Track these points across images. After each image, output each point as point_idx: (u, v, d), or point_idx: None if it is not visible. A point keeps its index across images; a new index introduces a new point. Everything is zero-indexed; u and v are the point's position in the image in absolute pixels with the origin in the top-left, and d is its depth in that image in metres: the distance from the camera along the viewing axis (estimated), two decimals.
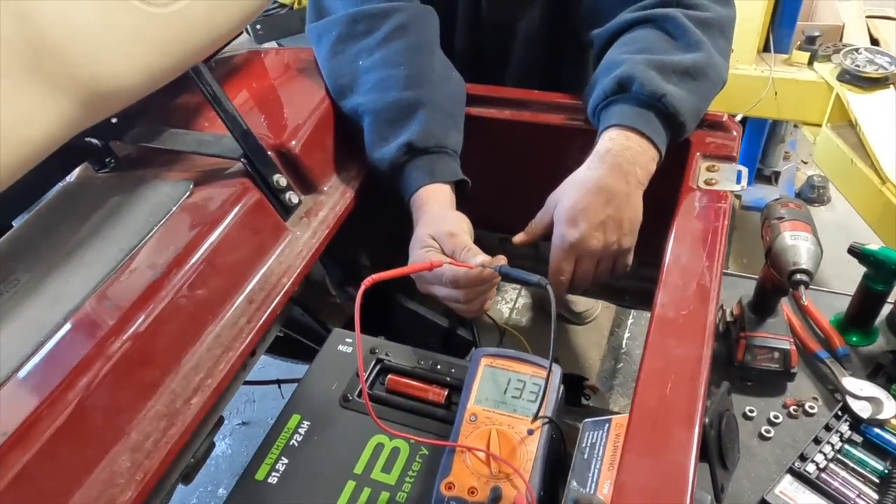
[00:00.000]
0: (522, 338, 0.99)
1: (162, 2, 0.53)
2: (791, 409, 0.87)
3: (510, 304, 1.65)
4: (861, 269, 0.90)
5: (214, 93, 0.73)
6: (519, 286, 1.72)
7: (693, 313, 0.62)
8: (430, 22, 0.91)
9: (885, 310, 0.95)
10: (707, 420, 0.62)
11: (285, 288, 0.74)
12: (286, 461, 0.64)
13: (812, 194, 1.95)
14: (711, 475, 0.64)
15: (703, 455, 0.63)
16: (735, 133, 0.84)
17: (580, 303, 1.59)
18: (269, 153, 0.80)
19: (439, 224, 0.75)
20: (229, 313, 0.70)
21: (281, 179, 0.80)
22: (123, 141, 0.84)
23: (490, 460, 0.57)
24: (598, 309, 1.61)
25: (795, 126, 1.90)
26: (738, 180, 0.78)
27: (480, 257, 0.70)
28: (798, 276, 0.77)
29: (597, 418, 0.60)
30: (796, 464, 0.81)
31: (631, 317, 1.67)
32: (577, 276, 0.76)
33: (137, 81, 0.53)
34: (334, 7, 0.92)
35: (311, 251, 0.78)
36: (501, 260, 0.70)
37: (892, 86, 1.44)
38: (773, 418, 0.86)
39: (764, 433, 0.85)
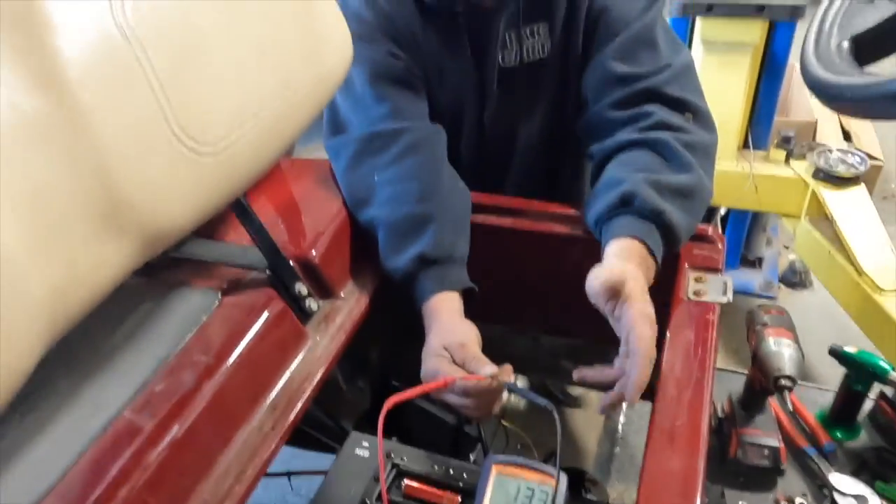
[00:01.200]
0: (523, 433, 1.03)
1: (214, 150, 0.61)
2: None
3: None
4: None
5: (246, 211, 0.80)
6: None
7: (688, 423, 0.68)
8: (438, 140, 1.00)
9: (868, 405, 1.01)
10: None
11: (306, 394, 0.79)
12: None
13: (794, 279, 2.03)
14: None
15: None
16: (720, 245, 0.91)
17: (575, 386, 1.63)
18: (291, 262, 0.87)
19: (450, 335, 0.81)
20: (256, 420, 0.75)
21: (302, 288, 0.86)
22: None
23: None
24: (591, 393, 1.65)
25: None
26: (724, 292, 0.84)
27: (489, 368, 0.75)
28: (783, 382, 0.83)
29: None
30: None
31: None
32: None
33: (191, 220, 0.60)
34: (351, 124, 1.00)
35: (329, 357, 0.83)
36: (508, 370, 0.76)
37: (863, 183, 1.54)
38: None
39: None
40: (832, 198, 1.51)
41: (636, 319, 0.70)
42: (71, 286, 0.50)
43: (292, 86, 0.71)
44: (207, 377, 0.73)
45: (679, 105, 0.94)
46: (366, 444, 0.79)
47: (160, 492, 0.65)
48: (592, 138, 1.00)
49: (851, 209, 1.49)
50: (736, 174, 1.62)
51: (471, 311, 0.88)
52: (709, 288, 0.85)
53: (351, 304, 0.91)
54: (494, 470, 0.69)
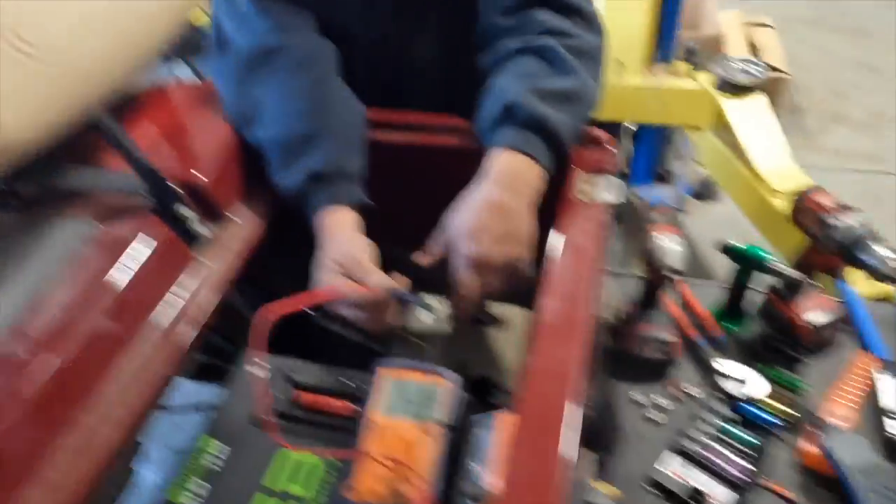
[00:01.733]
0: (427, 347, 1.04)
1: (56, 59, 0.56)
2: (676, 394, 0.96)
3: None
4: None
5: (114, 134, 0.75)
6: (441, 295, 1.78)
7: (571, 317, 0.70)
8: (327, 54, 0.96)
9: (760, 299, 1.07)
10: (588, 410, 0.69)
11: (196, 320, 0.77)
12: (202, 483, 0.67)
13: (703, 191, 2.11)
14: (594, 459, 0.71)
15: (586, 441, 0.70)
16: (611, 148, 0.92)
17: (495, 305, 1.66)
18: (175, 186, 0.83)
19: (341, 248, 0.80)
20: (140, 348, 0.73)
21: (187, 211, 0.83)
22: (25, 180, 0.85)
23: (391, 464, 0.62)
24: (514, 311, 1.69)
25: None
26: (614, 192, 0.86)
27: (378, 278, 0.75)
28: (668, 274, 0.86)
29: (483, 415, 0.66)
30: (680, 443, 0.90)
31: None
32: (483, 289, 0.82)
33: (34, 133, 0.56)
34: (235, 43, 0.95)
35: (221, 281, 0.81)
36: (401, 281, 0.76)
37: (763, 93, 1.58)
38: (660, 404, 0.95)
39: (653, 418, 0.93)
40: (732, 106, 1.55)
41: (456, 267, 0.79)
42: None
43: None
44: (84, 305, 0.70)
45: (566, 9, 0.93)
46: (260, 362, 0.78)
47: (35, 423, 0.63)
48: (484, 50, 0.98)
49: (750, 117, 1.53)
50: (643, 89, 1.64)
51: (375, 234, 0.87)
52: (598, 189, 0.87)
53: (245, 227, 0.89)
54: (383, 373, 0.70)
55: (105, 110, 0.73)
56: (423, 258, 0.83)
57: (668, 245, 0.87)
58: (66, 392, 0.66)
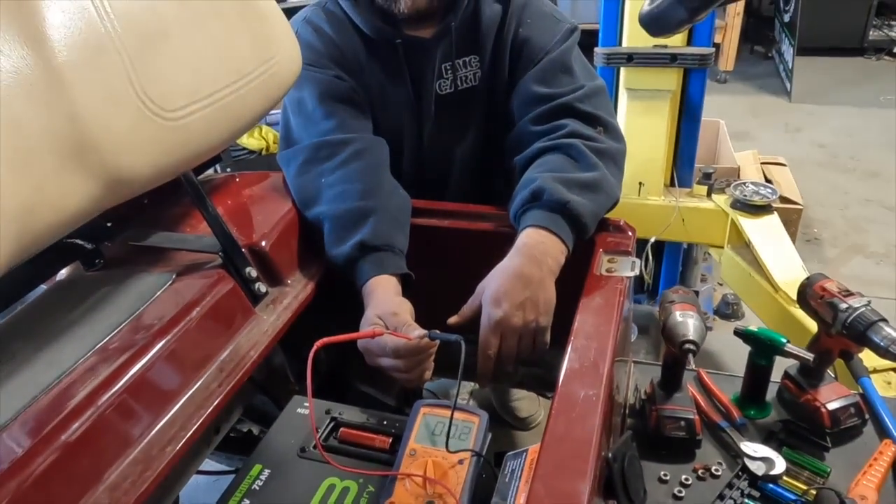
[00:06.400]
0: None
1: (172, 116, 0.70)
2: (699, 472, 0.98)
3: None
4: None
5: (200, 194, 0.88)
6: (468, 397, 1.82)
7: (593, 363, 0.76)
8: (381, 149, 1.11)
9: (775, 388, 1.10)
10: (610, 455, 0.74)
11: (252, 359, 0.85)
12: (248, 503, 0.72)
13: (728, 310, 2.17)
14: None
15: (610, 492, 0.74)
16: (630, 234, 1.02)
17: (523, 409, 1.69)
18: (243, 250, 0.95)
19: (384, 305, 0.89)
20: (203, 378, 0.81)
21: (251, 271, 0.94)
22: (113, 242, 0.97)
23: (426, 483, 0.67)
24: (541, 414, 1.71)
25: (707, 253, 2.16)
26: (633, 269, 0.95)
27: (418, 331, 0.84)
28: (687, 346, 0.92)
29: (516, 451, 0.71)
30: None
31: None
32: (503, 351, 0.89)
33: (149, 174, 0.68)
34: (301, 138, 1.11)
35: (275, 331, 0.90)
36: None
37: (774, 212, 1.70)
38: (684, 481, 0.97)
39: (677, 494, 0.95)
40: (749, 225, 1.66)
41: (482, 326, 0.88)
42: (38, 207, 0.57)
43: (244, 77, 0.81)
44: (159, 338, 0.79)
45: (591, 119, 1.08)
46: (306, 404, 0.85)
47: (106, 433, 0.69)
48: (516, 151, 1.12)
49: (765, 234, 1.63)
50: (663, 207, 1.77)
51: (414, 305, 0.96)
52: (619, 266, 0.96)
53: (297, 289, 0.99)
54: (423, 410, 0.76)
55: (194, 176, 0.87)
56: (452, 320, 0.92)
57: (686, 319, 0.94)
58: (137, 410, 0.74)
